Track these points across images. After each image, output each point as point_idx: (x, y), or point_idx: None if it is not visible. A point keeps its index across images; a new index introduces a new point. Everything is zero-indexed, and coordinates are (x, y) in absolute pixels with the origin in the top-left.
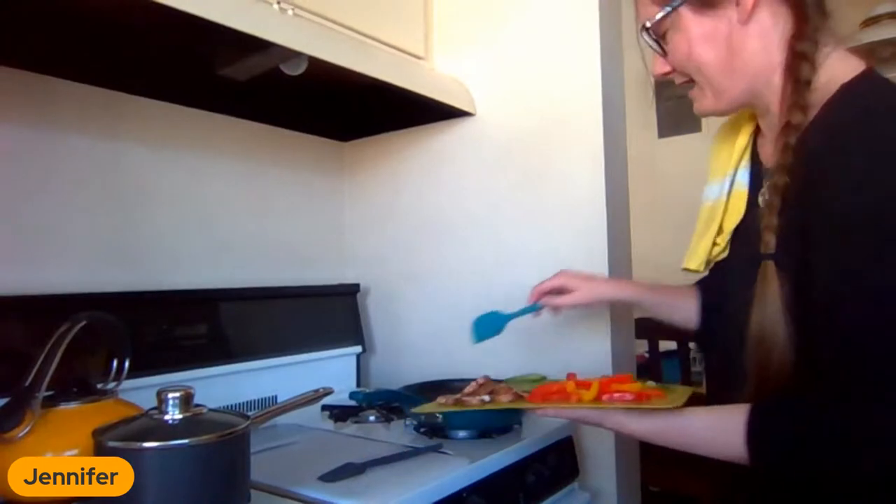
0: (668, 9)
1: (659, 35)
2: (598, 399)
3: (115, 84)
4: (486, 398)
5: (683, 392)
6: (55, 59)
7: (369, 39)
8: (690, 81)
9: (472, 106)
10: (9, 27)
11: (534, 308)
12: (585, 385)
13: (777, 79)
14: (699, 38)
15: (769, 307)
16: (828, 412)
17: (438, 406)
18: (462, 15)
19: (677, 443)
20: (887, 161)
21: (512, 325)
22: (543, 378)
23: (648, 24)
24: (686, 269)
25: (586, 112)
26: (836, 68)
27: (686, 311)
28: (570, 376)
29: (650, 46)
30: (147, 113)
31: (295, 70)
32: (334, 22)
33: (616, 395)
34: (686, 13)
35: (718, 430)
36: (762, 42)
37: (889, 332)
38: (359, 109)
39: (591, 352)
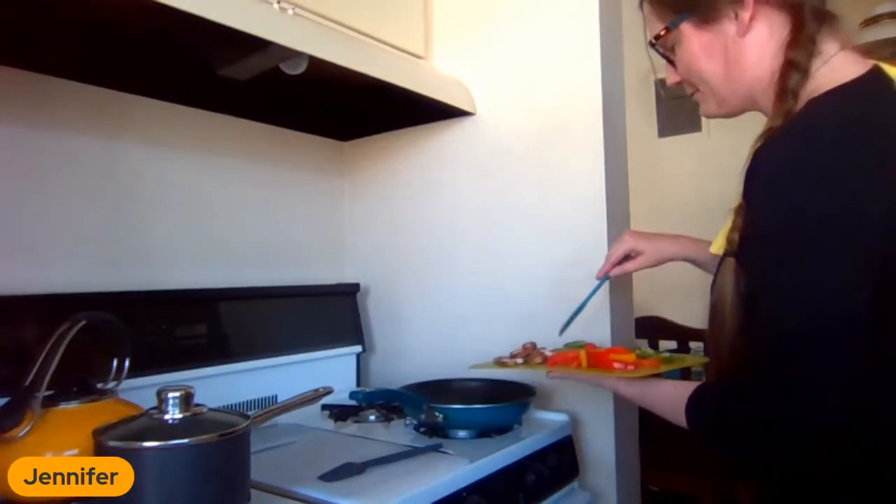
0: (672, 25)
1: (667, 49)
2: (591, 365)
3: (114, 84)
4: (520, 361)
5: (677, 361)
6: (55, 59)
7: (369, 39)
8: (697, 90)
9: (472, 106)
10: (9, 27)
11: (604, 280)
12: (594, 353)
13: (771, 87)
14: (700, 50)
15: (723, 299)
16: (740, 397)
17: (492, 365)
18: (462, 15)
19: (649, 407)
20: (788, 182)
21: (515, 327)
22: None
23: (655, 40)
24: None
25: (586, 112)
26: (826, 77)
27: None
28: (589, 346)
29: (662, 58)
30: (147, 113)
31: (295, 69)
32: (334, 21)
33: (618, 364)
34: (688, 28)
35: (673, 401)
36: (759, 53)
37: (793, 332)
38: (359, 109)
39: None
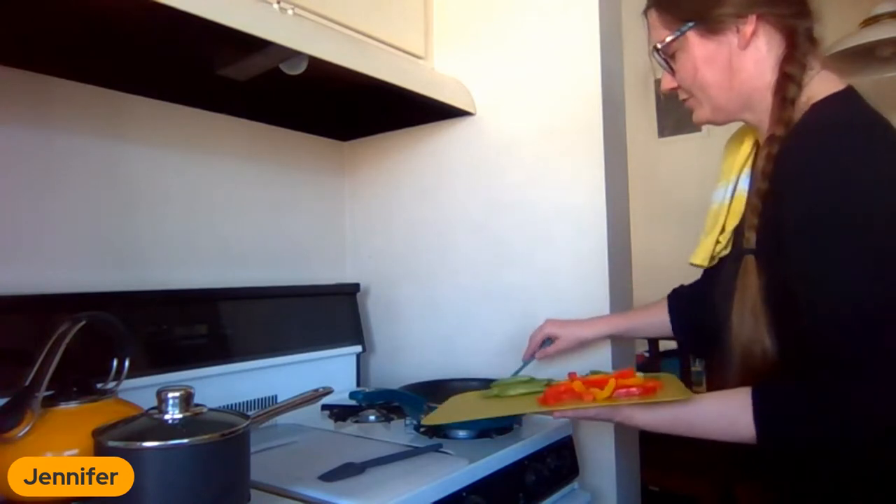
0: (678, 33)
1: (668, 55)
2: (610, 397)
3: (115, 84)
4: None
5: (676, 381)
6: (55, 59)
7: (369, 39)
8: (692, 96)
9: (472, 106)
10: (9, 27)
11: (529, 362)
12: (593, 383)
13: (768, 97)
14: (703, 59)
15: (749, 298)
16: (821, 391)
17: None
18: (462, 15)
19: (687, 431)
20: (829, 171)
21: (514, 327)
22: (532, 379)
23: (659, 46)
24: (692, 264)
25: (586, 112)
26: (817, 88)
27: (658, 326)
28: (572, 375)
29: (661, 65)
30: (147, 113)
31: (295, 70)
32: (334, 21)
33: (623, 390)
34: (693, 37)
35: (728, 414)
36: (757, 65)
37: (857, 319)
38: (359, 109)
39: (591, 351)
